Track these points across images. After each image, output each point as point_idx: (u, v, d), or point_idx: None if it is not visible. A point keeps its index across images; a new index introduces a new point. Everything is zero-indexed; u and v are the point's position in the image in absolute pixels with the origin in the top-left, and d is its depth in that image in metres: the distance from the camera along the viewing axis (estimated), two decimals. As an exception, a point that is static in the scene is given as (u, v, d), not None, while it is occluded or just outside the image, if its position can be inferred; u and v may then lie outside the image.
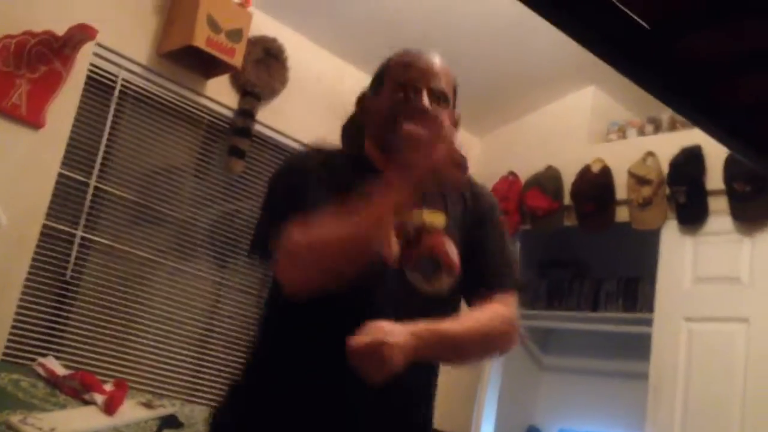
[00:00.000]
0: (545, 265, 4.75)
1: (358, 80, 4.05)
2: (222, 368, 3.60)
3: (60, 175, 3.15)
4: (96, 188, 3.28)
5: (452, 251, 1.52)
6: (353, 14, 3.81)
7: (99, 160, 3.29)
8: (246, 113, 3.66)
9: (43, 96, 2.96)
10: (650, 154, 3.96)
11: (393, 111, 1.53)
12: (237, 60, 3.39)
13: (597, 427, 4.33)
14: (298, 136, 3.84)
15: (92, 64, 3.24)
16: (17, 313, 3.01)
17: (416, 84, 1.56)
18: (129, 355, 3.31)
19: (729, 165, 3.62)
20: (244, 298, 3.73)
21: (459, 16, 3.80)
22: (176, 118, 3.56)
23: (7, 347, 2.96)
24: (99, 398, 2.85)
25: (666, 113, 4.07)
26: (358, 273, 1.39)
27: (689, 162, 3.79)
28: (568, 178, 4.20)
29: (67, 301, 3.21)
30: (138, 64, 3.37)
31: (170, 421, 3.01)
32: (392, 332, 1.36)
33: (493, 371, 4.32)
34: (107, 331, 3.27)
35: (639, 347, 3.89)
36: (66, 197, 3.21)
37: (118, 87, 3.35)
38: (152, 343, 3.40)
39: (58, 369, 2.93)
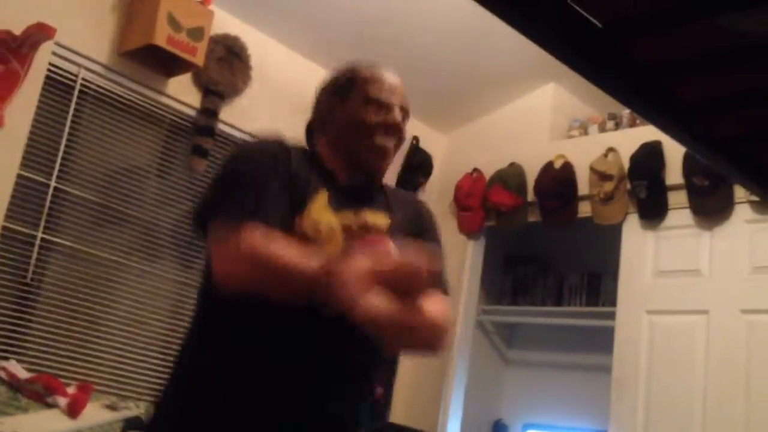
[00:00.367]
0: (510, 260, 4.79)
1: (321, 76, 4.06)
2: (187, 369, 3.57)
3: (19, 175, 3.10)
4: (56, 189, 3.24)
5: (393, 251, 1.56)
6: (317, 12, 3.81)
7: (59, 160, 3.25)
8: (209, 112, 3.64)
9: (1, 96, 2.91)
10: (611, 149, 4.01)
11: (365, 124, 1.63)
12: (199, 58, 3.37)
13: (562, 421, 4.37)
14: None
15: (51, 64, 3.20)
16: (-23, 317, 2.97)
17: (390, 101, 1.66)
18: (92, 357, 3.28)
19: (688, 160, 3.68)
20: (209, 298, 3.70)
21: (423, 15, 3.82)
22: (138, 118, 3.53)
23: (-34, 351, 2.92)
24: (62, 401, 2.82)
25: (626, 109, 4.12)
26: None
27: (649, 157, 3.84)
28: (531, 175, 4.24)
29: (29, 303, 3.17)
30: (98, 63, 3.34)
31: (135, 423, 2.99)
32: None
33: (458, 367, 4.35)
34: (70, 334, 3.23)
35: (602, 341, 3.94)
36: (25, 198, 3.17)
37: (78, 86, 3.31)
38: (116, 345, 3.37)
39: (20, 372, 2.89)
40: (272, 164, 1.56)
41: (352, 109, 1.66)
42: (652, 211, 3.84)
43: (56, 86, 3.27)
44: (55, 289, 3.23)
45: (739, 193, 3.57)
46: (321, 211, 1.56)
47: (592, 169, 4.03)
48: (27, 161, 3.14)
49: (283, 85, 3.95)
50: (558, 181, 4.13)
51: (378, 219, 1.62)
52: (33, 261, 3.14)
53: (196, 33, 3.34)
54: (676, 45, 1.06)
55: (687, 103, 1.17)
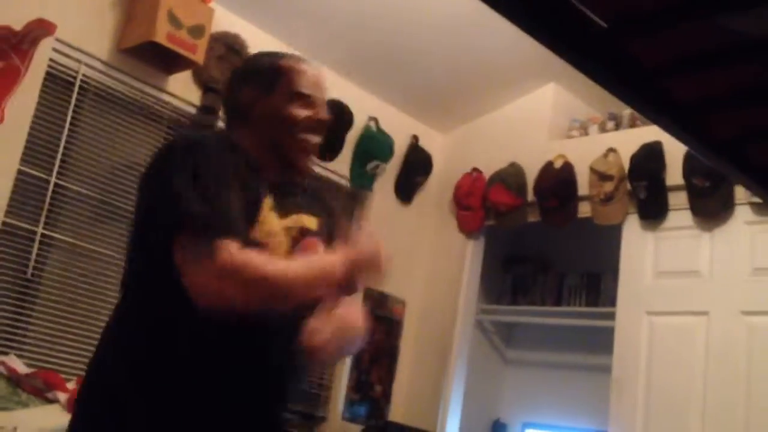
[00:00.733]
0: (509, 260, 4.79)
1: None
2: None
3: (19, 171, 3.10)
4: (56, 185, 3.24)
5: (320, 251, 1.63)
6: (316, 10, 3.80)
7: (59, 156, 3.25)
8: (208, 110, 3.64)
9: (1, 92, 2.91)
10: (611, 150, 4.01)
11: (293, 119, 1.61)
12: (199, 56, 3.37)
13: (561, 421, 4.37)
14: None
15: (51, 60, 3.19)
16: (-24, 313, 2.97)
17: (317, 96, 1.65)
18: (92, 352, 3.27)
19: (688, 161, 3.67)
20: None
21: (422, 13, 3.82)
22: (138, 115, 3.52)
23: (-35, 347, 2.91)
24: (62, 396, 2.82)
25: (626, 110, 4.12)
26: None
27: (649, 158, 3.84)
28: (531, 175, 4.24)
29: (29, 298, 3.17)
30: (98, 59, 3.33)
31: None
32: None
33: (458, 366, 4.35)
34: (70, 329, 3.23)
35: (602, 341, 3.93)
36: (26, 194, 3.16)
37: (78, 83, 3.31)
38: (115, 342, 3.36)
39: (20, 367, 2.89)
40: (228, 165, 1.51)
41: (278, 103, 1.62)
42: (652, 212, 3.83)
43: (56, 82, 3.26)
44: (55, 285, 3.22)
45: (740, 194, 3.57)
46: (269, 217, 1.56)
47: (592, 170, 4.03)
48: (27, 157, 3.14)
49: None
50: (558, 181, 4.13)
51: (311, 222, 1.63)
52: (33, 257, 3.13)
53: (197, 30, 3.34)
54: (679, 44, 1.06)
55: (689, 102, 1.16)
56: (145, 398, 1.46)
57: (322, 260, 1.54)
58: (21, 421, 2.62)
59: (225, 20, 3.67)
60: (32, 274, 3.14)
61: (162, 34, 3.21)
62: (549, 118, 4.41)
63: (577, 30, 1.04)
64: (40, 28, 2.96)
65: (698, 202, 3.68)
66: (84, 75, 3.32)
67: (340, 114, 4.12)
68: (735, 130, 1.22)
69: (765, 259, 3.50)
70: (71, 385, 2.92)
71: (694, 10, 0.99)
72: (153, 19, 3.20)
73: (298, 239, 1.58)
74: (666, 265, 3.77)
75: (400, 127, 4.44)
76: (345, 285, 1.54)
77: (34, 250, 3.14)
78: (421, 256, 4.56)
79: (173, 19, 3.23)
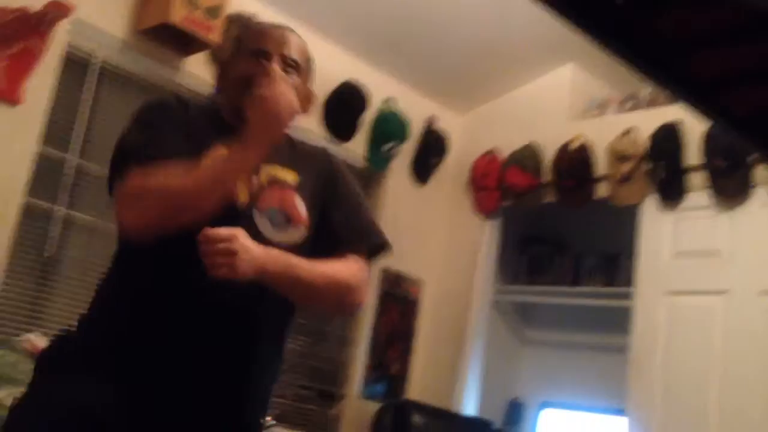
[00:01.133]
0: (526, 240, 4.78)
1: (337, 56, 4.06)
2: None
3: (39, 152, 3.12)
4: (75, 165, 3.26)
5: (301, 206, 1.60)
6: (333, -10, 3.79)
7: (78, 137, 3.26)
8: (225, 90, 3.64)
9: (19, 73, 2.92)
10: (630, 130, 3.98)
11: (246, 76, 1.60)
12: (215, 37, 3.37)
13: (579, 400, 4.38)
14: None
15: (69, 41, 3.20)
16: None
17: (269, 50, 1.63)
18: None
19: (707, 141, 3.65)
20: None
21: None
22: (154, 95, 3.53)
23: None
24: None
25: (645, 89, 4.09)
26: (206, 219, 1.45)
27: (668, 138, 3.82)
28: (548, 155, 4.23)
29: (50, 278, 3.20)
30: (115, 40, 3.34)
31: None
32: (245, 236, 1.44)
33: (474, 345, 4.36)
34: (89, 310, 3.25)
35: (619, 321, 3.93)
36: (46, 174, 3.18)
37: (95, 63, 3.32)
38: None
39: (44, 345, 2.92)
40: (166, 115, 1.57)
41: (239, 63, 1.64)
42: (671, 192, 3.81)
43: (74, 63, 3.27)
44: (75, 265, 3.25)
45: (759, 175, 3.54)
46: None
47: (610, 150, 4.01)
48: (47, 137, 3.16)
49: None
50: (575, 161, 4.11)
51: (287, 175, 1.61)
52: (53, 236, 3.16)
53: (213, 11, 3.33)
54: (700, 18, 1.05)
55: (711, 77, 1.15)
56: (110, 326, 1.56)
57: (226, 151, 1.51)
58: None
59: (241, 0, 3.66)
60: (52, 254, 3.17)
61: (178, 15, 3.21)
62: (567, 98, 4.39)
63: (597, 5, 1.03)
64: (57, 10, 2.97)
65: (717, 182, 3.66)
66: (101, 56, 3.33)
67: (355, 95, 4.12)
68: (759, 104, 1.21)
69: (785, 239, 3.48)
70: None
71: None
72: (169, 1, 3.20)
73: (267, 187, 1.57)
74: (685, 245, 3.76)
75: (416, 108, 4.42)
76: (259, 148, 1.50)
77: (54, 230, 3.16)
78: (438, 237, 4.56)
79: (189, 0, 3.23)
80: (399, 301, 4.36)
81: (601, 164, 4.06)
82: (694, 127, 3.68)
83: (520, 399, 4.60)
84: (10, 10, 2.93)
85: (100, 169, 3.34)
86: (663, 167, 3.82)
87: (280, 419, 3.77)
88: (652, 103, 4.09)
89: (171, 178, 1.45)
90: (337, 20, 3.94)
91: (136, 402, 1.45)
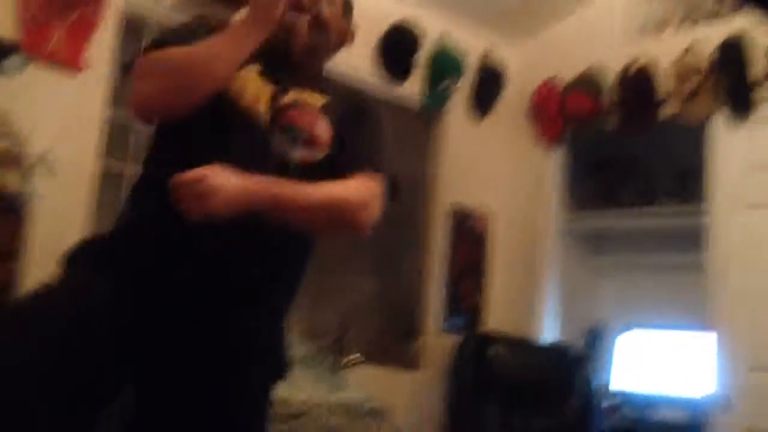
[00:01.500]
0: (594, 165, 4.72)
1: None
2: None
3: (107, 116, 3.21)
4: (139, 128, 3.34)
5: (322, 128, 1.58)
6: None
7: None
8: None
9: (79, 39, 2.99)
10: (692, 45, 3.89)
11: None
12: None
13: (659, 321, 4.34)
14: (334, 60, 3.84)
15: (124, 3, 3.26)
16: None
17: None
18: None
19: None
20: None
21: None
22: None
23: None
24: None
25: (706, 2, 3.96)
26: (207, 99, 1.48)
27: (732, 51, 3.73)
28: (610, 78, 4.15)
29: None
30: (169, 1, 3.39)
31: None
32: (220, 174, 1.40)
33: (549, 275, 4.37)
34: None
35: (695, 239, 3.88)
36: (115, 137, 3.27)
37: (151, 24, 3.38)
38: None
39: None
40: (191, 31, 1.60)
41: None
42: (740, 105, 3.73)
43: (130, 26, 3.32)
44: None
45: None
46: (251, 78, 1.57)
47: (674, 67, 3.92)
48: (113, 100, 3.23)
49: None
50: (638, 82, 4.04)
51: (314, 99, 1.61)
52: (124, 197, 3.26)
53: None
54: None
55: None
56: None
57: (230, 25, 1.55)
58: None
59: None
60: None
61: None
62: (624, 18, 4.28)
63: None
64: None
65: (786, 90, 3.55)
66: (156, 17, 3.38)
67: (409, 34, 4.10)
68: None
69: None
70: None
71: None
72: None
73: (291, 108, 1.57)
74: (757, 158, 3.69)
75: (471, 42, 4.38)
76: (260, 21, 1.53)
77: (124, 191, 3.27)
78: (502, 171, 4.55)
79: (241, -45, 3.24)
80: (469, 236, 4.38)
81: (664, 83, 3.97)
82: (759, 38, 3.57)
83: (599, 324, 4.59)
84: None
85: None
86: (729, 81, 3.73)
87: (363, 358, 3.87)
88: (713, 15, 3.96)
89: (172, 53, 1.51)
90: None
91: (136, 305, 1.47)
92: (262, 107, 1.56)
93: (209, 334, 1.51)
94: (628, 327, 4.44)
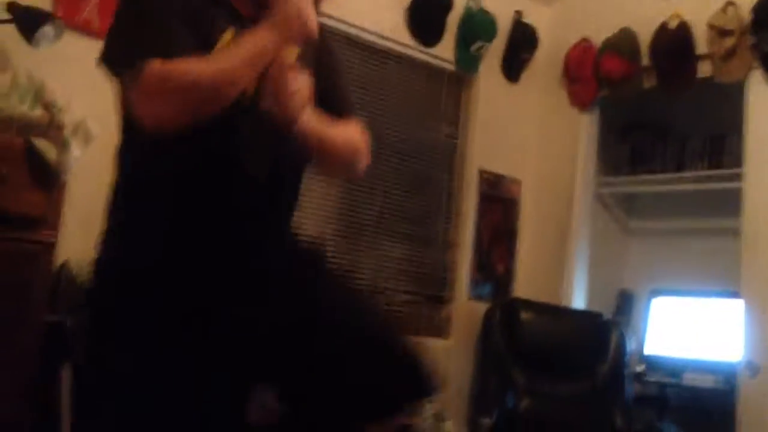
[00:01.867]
0: (626, 129, 4.66)
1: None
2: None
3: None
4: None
5: (305, 82, 1.57)
6: None
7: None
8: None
9: (112, 8, 2.98)
10: (730, 3, 3.81)
11: None
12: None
13: (690, 286, 4.32)
14: (365, 25, 3.81)
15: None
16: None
17: None
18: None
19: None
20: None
21: None
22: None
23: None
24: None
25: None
26: (223, 110, 1.44)
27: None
28: (645, 39, 4.07)
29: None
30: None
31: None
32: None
33: (579, 239, 4.33)
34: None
35: (728, 204, 3.83)
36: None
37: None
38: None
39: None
40: (167, 3, 1.50)
41: None
42: (776, 65, 3.64)
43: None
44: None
45: None
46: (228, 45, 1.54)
47: (711, 26, 3.85)
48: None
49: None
50: (674, 41, 3.96)
51: (289, 53, 1.58)
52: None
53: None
54: None
55: None
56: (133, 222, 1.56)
57: (247, 38, 1.49)
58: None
59: None
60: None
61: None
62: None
63: None
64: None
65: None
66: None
67: (439, -3, 4.05)
68: None
69: None
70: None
71: None
72: None
73: (270, 67, 1.54)
74: (795, 120, 3.62)
75: (502, 3, 4.31)
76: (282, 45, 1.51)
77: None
78: (533, 134, 4.51)
79: None
80: (499, 202, 4.36)
81: (701, 42, 3.89)
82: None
83: (629, 289, 4.58)
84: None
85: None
86: (766, 40, 3.63)
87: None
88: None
89: (193, 68, 1.42)
90: None
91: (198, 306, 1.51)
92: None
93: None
94: (657, 293, 4.43)
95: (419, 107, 4.17)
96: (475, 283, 4.24)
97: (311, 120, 1.53)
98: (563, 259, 4.33)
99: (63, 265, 2.75)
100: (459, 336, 4.14)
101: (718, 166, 4.19)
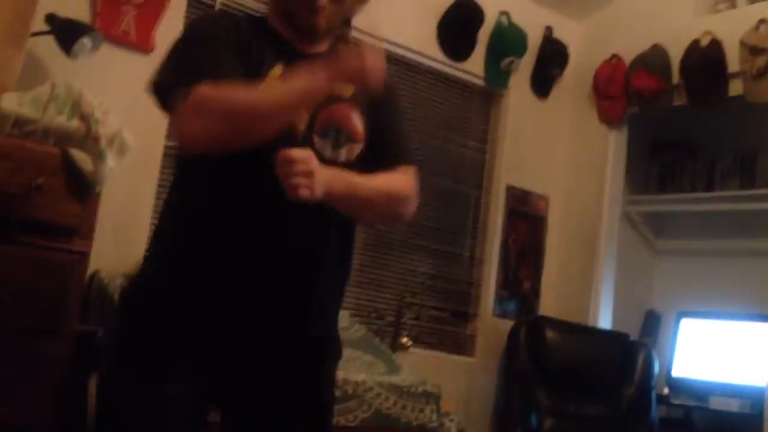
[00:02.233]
0: (655, 147, 4.63)
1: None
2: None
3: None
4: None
5: (358, 121, 1.58)
6: None
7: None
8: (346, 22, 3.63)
9: (149, 21, 3.01)
10: (763, 21, 3.76)
11: None
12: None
13: (717, 308, 4.27)
14: (395, 39, 3.82)
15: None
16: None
17: None
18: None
19: None
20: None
21: None
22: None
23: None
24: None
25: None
26: (266, 140, 1.43)
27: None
28: (676, 55, 4.03)
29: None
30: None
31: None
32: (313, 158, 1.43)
33: (606, 259, 4.29)
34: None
35: (759, 224, 3.79)
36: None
37: (218, 5, 3.37)
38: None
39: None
40: (217, 32, 1.54)
41: None
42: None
43: (198, 6, 3.33)
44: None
45: None
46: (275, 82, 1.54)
47: (743, 44, 3.80)
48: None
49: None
50: (705, 59, 3.92)
51: (344, 88, 1.57)
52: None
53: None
54: None
55: None
56: (172, 245, 1.59)
57: (298, 78, 1.47)
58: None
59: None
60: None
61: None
62: (691, -7, 4.16)
63: None
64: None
65: None
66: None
67: (470, 12, 4.04)
68: None
69: None
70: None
71: None
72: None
73: (325, 104, 1.54)
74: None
75: (533, 19, 4.30)
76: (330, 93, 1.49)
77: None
78: (562, 151, 4.48)
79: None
80: (526, 218, 4.34)
81: (733, 60, 3.85)
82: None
83: (656, 310, 4.53)
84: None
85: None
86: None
87: (417, 340, 3.87)
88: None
89: (240, 96, 1.44)
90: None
91: (217, 325, 1.53)
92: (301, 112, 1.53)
93: (290, 329, 1.58)
94: (684, 314, 4.38)
95: (448, 122, 4.16)
96: (501, 299, 4.21)
97: (334, 184, 1.46)
98: (590, 277, 4.29)
99: (94, 276, 2.77)
100: (483, 353, 4.11)
101: (750, 186, 4.15)
